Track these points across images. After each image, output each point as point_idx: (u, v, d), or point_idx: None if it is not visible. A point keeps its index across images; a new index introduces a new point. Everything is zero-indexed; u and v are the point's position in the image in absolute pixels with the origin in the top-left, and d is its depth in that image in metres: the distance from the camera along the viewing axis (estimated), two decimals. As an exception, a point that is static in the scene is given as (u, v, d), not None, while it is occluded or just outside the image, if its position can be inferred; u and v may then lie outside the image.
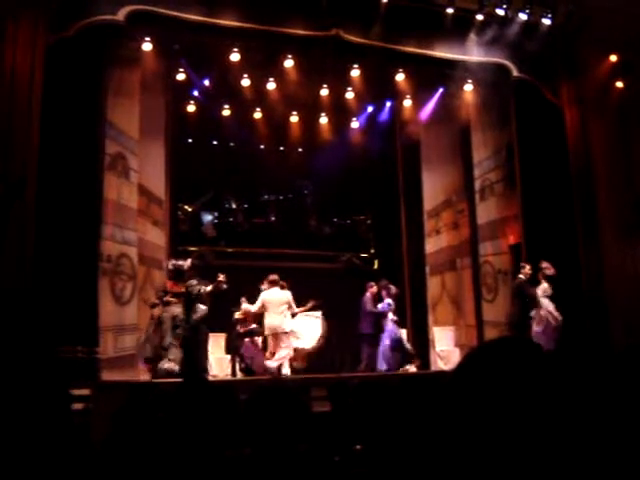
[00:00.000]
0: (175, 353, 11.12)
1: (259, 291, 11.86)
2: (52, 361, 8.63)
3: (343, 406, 5.17)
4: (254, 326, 12.17)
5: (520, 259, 12.44)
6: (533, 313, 11.68)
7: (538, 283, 11.69)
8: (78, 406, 8.70)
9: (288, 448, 2.64)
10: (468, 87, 13.34)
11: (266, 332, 11.74)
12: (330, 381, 6.12)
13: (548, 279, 11.60)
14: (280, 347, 11.58)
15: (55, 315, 9.22)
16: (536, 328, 11.58)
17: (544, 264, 11.59)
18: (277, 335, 11.61)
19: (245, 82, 13.04)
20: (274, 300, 11.64)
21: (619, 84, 12.78)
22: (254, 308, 11.78)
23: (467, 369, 1.28)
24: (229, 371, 12.24)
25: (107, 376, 10.06)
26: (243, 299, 12.11)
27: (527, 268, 11.75)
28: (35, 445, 2.04)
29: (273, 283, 11.80)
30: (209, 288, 11.36)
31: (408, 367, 12.70)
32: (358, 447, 3.50)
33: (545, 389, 1.21)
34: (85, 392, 8.91)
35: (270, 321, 11.58)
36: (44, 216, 9.35)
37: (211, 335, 11.94)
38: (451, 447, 1.29)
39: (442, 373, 12.66)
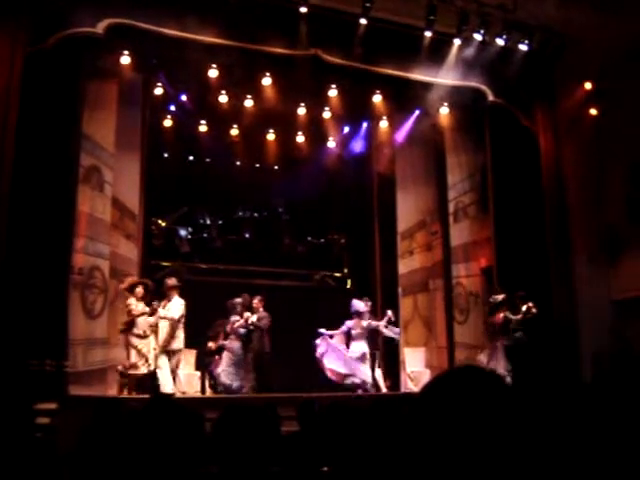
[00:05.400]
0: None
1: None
2: (18, 374, 8.50)
3: (311, 426, 5.15)
4: (225, 343, 12.10)
5: (492, 282, 12.53)
6: None
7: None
8: (44, 420, 8.60)
9: (255, 469, 2.63)
10: (444, 110, 13.43)
11: None
12: (298, 400, 6.09)
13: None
14: None
15: (24, 327, 9.11)
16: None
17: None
18: None
19: (223, 98, 13.06)
20: None
21: (593, 111, 12.95)
22: None
23: (432, 395, 1.29)
24: (198, 388, 12.19)
25: (75, 390, 9.92)
26: None
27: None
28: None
29: None
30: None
31: None
32: (325, 469, 3.48)
33: (506, 419, 1.22)
34: (52, 406, 8.81)
35: None
36: (15, 227, 9.24)
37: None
38: (416, 469, 1.30)
39: (411, 395, 12.62)
